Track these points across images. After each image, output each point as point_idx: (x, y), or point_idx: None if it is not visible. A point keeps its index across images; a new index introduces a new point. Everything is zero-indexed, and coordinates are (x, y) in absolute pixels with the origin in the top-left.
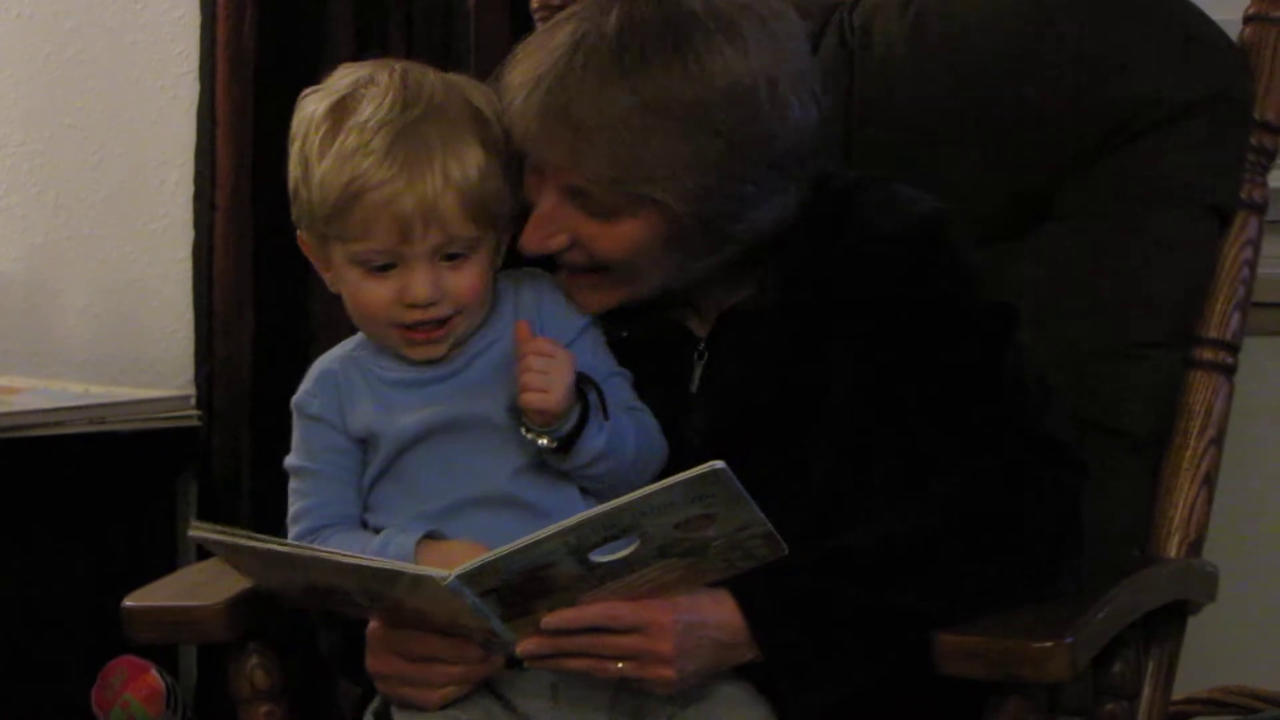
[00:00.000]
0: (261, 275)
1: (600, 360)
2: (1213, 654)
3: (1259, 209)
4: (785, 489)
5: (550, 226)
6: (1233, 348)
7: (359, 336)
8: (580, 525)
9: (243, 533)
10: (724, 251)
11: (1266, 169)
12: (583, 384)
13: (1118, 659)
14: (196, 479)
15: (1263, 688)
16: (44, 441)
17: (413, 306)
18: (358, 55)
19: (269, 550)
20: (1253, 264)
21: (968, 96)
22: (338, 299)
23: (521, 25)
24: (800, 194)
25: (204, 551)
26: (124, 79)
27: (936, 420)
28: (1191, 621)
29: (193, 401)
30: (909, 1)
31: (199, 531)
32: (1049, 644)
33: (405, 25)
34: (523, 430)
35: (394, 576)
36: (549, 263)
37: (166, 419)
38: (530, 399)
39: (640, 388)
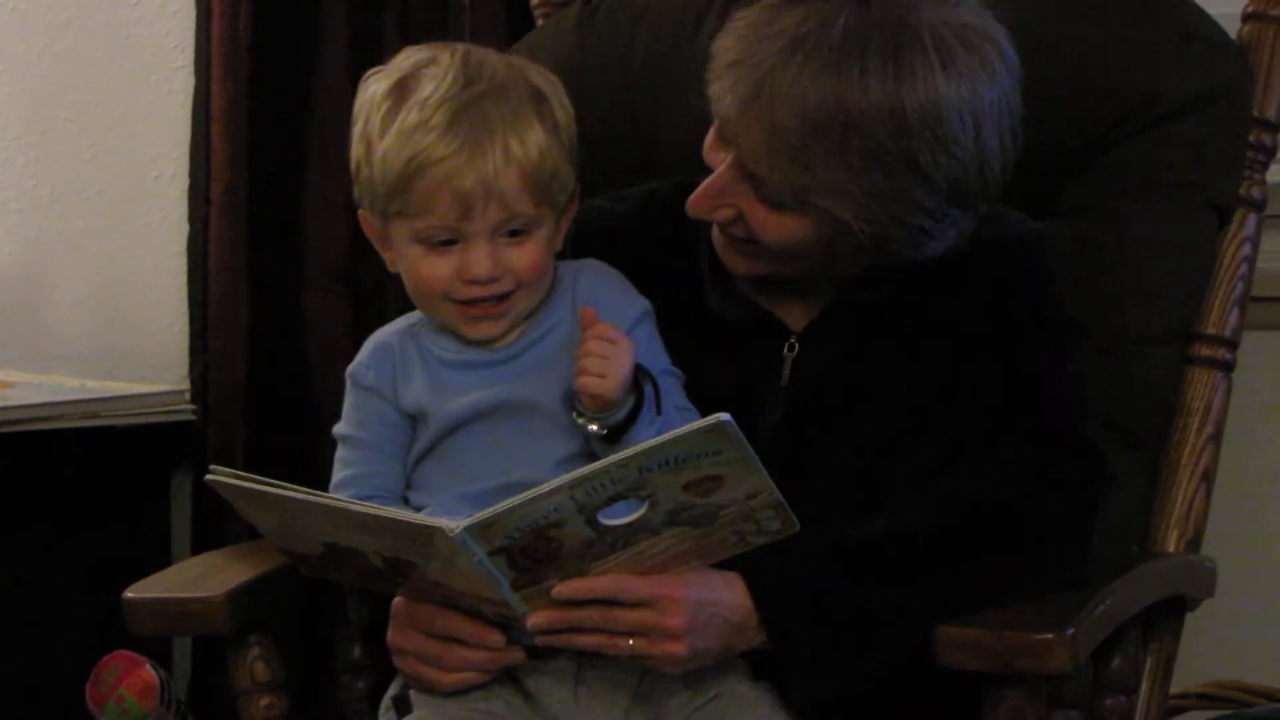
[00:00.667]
0: (256, 270)
1: (653, 356)
2: (1208, 648)
3: (1258, 205)
4: (859, 485)
5: (720, 198)
6: (1231, 344)
7: (418, 312)
8: (587, 478)
9: (258, 478)
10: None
11: (1265, 166)
12: (640, 376)
13: (1117, 654)
14: (191, 473)
15: (1256, 682)
16: (38, 436)
17: (473, 283)
18: (353, 50)
19: (281, 496)
20: (1251, 260)
21: None
22: (332, 294)
23: (518, 20)
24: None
25: (199, 545)
26: (119, 73)
27: (983, 412)
28: (1187, 616)
29: (187, 396)
30: None
31: (217, 476)
32: (1050, 636)
33: (400, 19)
34: (574, 414)
35: (405, 529)
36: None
37: (161, 413)
38: (587, 383)
39: (725, 375)
